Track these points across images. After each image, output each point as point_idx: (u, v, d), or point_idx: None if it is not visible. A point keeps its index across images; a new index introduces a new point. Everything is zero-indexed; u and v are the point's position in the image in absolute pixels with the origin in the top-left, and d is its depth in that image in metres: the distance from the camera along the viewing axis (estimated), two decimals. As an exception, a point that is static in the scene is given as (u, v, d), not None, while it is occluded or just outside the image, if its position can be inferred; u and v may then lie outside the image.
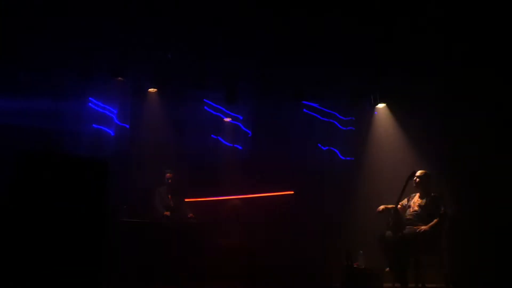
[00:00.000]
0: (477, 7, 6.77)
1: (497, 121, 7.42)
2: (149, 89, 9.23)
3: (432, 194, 6.96)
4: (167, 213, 8.25)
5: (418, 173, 7.05)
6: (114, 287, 6.41)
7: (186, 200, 8.79)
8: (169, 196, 8.59)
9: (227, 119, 10.00)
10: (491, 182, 7.35)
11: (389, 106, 9.41)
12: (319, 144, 10.10)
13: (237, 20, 7.50)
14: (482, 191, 7.45)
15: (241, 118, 10.04)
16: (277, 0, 7.05)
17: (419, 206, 6.95)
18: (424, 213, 6.84)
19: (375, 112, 9.65)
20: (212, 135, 9.86)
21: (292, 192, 9.29)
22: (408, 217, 6.94)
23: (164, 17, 7.46)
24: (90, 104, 9.04)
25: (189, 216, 8.33)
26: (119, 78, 8.78)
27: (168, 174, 8.63)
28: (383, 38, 7.55)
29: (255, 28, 7.66)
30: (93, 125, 8.97)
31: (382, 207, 6.95)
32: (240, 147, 9.99)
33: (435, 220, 6.64)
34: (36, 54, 8.03)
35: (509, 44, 7.12)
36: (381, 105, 9.43)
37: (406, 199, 7.13)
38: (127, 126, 9.23)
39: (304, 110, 10.05)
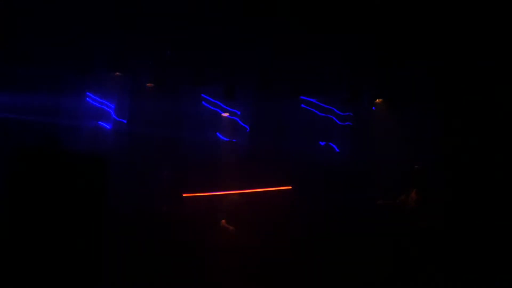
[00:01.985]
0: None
1: (494, 118, 7.44)
2: (147, 84, 9.22)
3: (428, 190, 7.00)
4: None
5: (415, 169, 7.09)
6: (113, 286, 6.41)
7: (184, 195, 8.78)
8: None
9: (225, 114, 9.99)
10: (488, 179, 7.38)
11: (386, 101, 9.43)
12: (317, 140, 10.11)
13: (236, 16, 7.50)
14: (479, 188, 7.48)
15: (239, 113, 10.03)
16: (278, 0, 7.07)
17: (416, 202, 6.98)
18: (420, 209, 6.87)
19: (373, 108, 9.67)
20: (210, 130, 9.85)
21: (290, 187, 9.30)
22: (406, 212, 6.98)
23: (163, 12, 7.45)
24: (88, 99, 9.03)
25: None
26: (117, 73, 8.78)
27: None
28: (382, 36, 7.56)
29: (255, 24, 7.67)
30: (91, 120, 8.96)
31: (380, 201, 7.00)
32: (238, 142, 9.98)
33: (431, 216, 6.69)
34: (34, 48, 8.02)
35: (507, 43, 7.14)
36: (378, 101, 9.47)
37: (404, 195, 7.17)
38: (125, 121, 9.22)
39: (302, 105, 10.06)
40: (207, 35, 8.00)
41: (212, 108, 9.87)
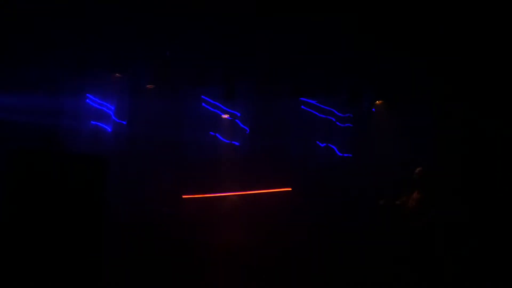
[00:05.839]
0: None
1: (493, 119, 7.46)
2: (147, 85, 9.23)
3: (429, 190, 7.01)
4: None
5: (417, 170, 7.12)
6: (112, 286, 6.40)
7: (184, 196, 8.78)
8: None
9: (225, 116, 9.99)
10: (488, 179, 7.39)
11: (386, 103, 9.45)
12: (317, 141, 10.11)
13: (236, 18, 7.51)
14: (477, 188, 7.49)
15: (238, 114, 10.03)
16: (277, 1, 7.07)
17: (416, 202, 6.99)
18: (421, 210, 6.89)
19: (373, 109, 9.68)
20: (210, 132, 9.85)
21: (290, 189, 9.30)
22: (406, 213, 7.00)
23: (163, 14, 7.46)
24: (88, 100, 9.03)
25: None
26: (117, 74, 8.79)
27: None
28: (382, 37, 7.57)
29: (254, 26, 7.68)
30: (91, 121, 8.96)
31: (380, 202, 7.02)
32: (237, 144, 9.98)
33: (431, 217, 6.71)
34: (34, 50, 8.03)
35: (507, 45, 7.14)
36: (378, 102, 9.48)
37: (405, 196, 7.19)
38: (124, 123, 9.22)
39: (302, 107, 10.06)
40: (207, 36, 8.01)
41: (212, 109, 9.87)
